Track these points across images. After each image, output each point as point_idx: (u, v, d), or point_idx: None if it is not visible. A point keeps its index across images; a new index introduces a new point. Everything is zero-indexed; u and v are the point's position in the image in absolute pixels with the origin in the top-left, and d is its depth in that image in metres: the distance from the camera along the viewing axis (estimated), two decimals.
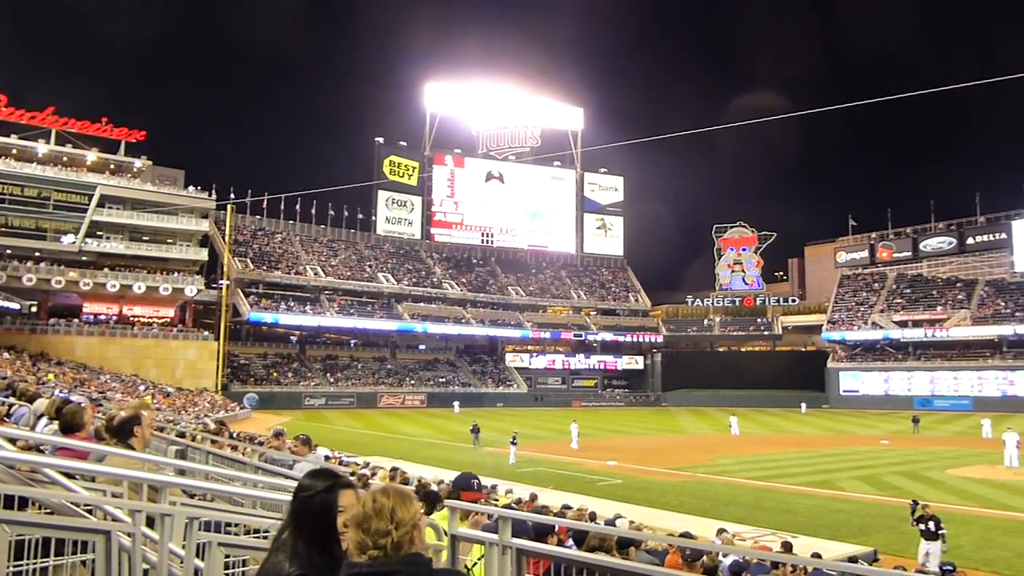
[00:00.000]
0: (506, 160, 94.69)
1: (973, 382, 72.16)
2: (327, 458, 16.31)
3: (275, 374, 70.22)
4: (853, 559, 13.90)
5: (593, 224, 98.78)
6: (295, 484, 2.89)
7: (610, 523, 13.63)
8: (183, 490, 5.35)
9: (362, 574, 2.33)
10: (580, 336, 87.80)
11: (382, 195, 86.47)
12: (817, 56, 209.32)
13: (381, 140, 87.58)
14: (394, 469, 18.01)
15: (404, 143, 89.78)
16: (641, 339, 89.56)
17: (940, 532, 16.12)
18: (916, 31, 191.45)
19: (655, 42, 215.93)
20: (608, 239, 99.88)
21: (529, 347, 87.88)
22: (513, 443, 34.51)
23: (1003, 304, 76.58)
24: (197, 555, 3.49)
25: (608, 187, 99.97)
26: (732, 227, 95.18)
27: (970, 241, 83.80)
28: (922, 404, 70.24)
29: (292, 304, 73.41)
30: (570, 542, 8.56)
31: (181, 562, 3.61)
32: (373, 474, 16.61)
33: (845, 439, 47.32)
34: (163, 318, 65.75)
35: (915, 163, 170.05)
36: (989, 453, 35.62)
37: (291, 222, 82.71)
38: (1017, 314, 73.97)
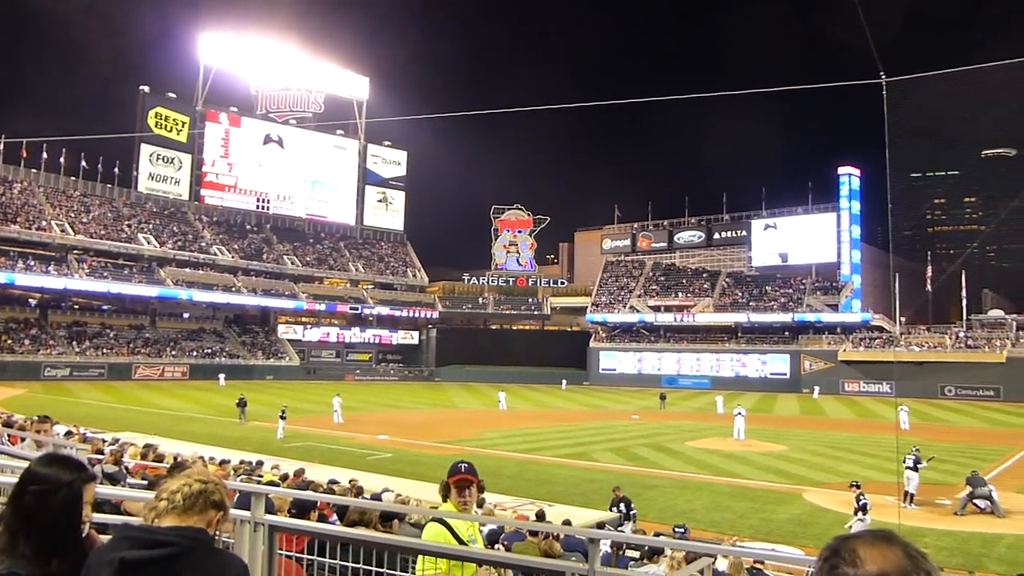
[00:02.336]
0: (287, 124, 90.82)
1: (712, 363, 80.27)
2: (68, 434, 14.86)
3: (8, 341, 62.59)
4: (600, 524, 15.06)
5: (374, 197, 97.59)
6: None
7: (376, 497, 13.71)
8: None
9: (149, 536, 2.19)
10: (356, 309, 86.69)
11: (145, 149, 79.40)
12: (612, 45, 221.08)
13: (147, 89, 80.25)
14: (147, 446, 16.82)
15: (173, 95, 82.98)
16: (417, 314, 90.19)
17: (632, 513, 17.83)
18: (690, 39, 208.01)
19: (446, 17, 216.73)
20: (389, 213, 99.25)
21: (303, 319, 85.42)
22: (282, 417, 33.70)
23: (740, 294, 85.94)
24: None
25: (391, 161, 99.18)
26: (509, 209, 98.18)
27: (716, 236, 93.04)
28: (669, 382, 76.96)
29: (32, 263, 65.63)
30: (334, 517, 8.54)
31: None
32: (122, 452, 15.44)
33: (601, 414, 50.85)
34: None
35: (674, 162, 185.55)
36: (721, 427, 39.84)
37: (34, 171, 73.85)
38: (751, 303, 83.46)
